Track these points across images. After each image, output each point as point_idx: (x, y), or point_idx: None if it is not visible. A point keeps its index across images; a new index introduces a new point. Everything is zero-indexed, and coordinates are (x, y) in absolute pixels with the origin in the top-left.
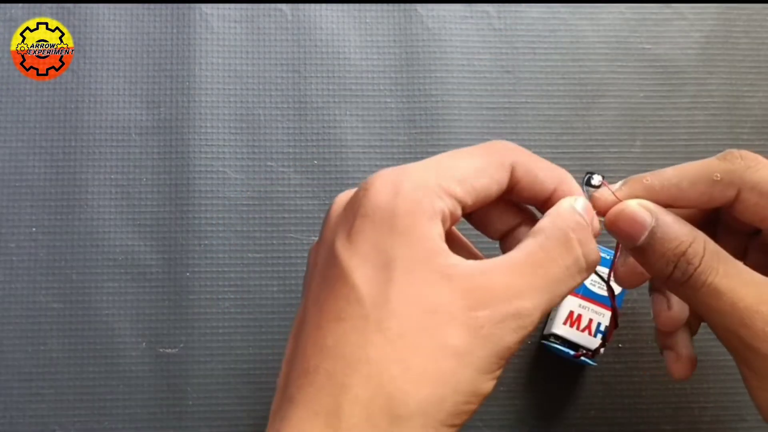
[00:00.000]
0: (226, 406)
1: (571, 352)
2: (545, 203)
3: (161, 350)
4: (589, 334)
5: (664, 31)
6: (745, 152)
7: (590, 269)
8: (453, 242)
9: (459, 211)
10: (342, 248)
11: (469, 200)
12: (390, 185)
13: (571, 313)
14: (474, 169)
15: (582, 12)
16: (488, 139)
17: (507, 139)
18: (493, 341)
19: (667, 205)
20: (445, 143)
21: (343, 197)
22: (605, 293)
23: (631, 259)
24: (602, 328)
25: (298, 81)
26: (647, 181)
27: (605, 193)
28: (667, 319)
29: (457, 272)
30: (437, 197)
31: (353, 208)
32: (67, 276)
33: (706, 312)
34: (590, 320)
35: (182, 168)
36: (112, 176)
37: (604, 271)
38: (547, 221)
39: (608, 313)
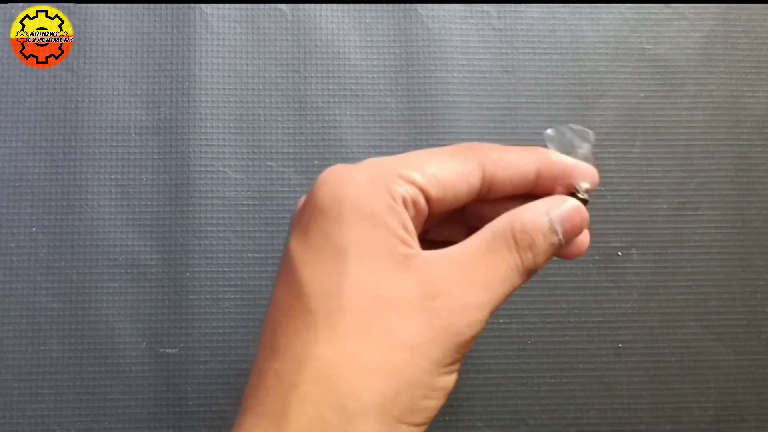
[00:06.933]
0: (226, 406)
1: None
2: (537, 189)
3: (161, 350)
4: None
5: (664, 31)
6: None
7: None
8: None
9: (422, 200)
10: (295, 244)
11: (432, 190)
12: (342, 176)
13: None
14: (437, 163)
15: (582, 12)
16: (488, 140)
17: (507, 140)
18: (450, 332)
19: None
20: (445, 143)
21: (304, 198)
22: None
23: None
24: None
25: (298, 81)
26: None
27: None
28: None
29: (414, 260)
30: (394, 183)
31: (307, 204)
32: (67, 276)
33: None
34: None
35: (182, 168)
36: (112, 176)
37: None
38: (503, 218)
39: None
